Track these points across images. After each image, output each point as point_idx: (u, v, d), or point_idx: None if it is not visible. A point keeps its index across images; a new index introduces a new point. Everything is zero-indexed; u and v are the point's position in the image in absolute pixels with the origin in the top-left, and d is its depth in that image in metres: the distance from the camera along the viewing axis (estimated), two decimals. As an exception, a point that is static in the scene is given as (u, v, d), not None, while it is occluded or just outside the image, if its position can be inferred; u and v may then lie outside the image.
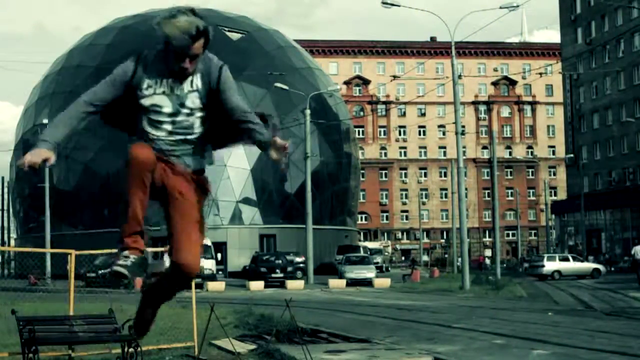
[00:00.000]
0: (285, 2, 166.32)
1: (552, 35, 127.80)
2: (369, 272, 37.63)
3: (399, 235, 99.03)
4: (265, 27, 60.24)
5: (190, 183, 3.38)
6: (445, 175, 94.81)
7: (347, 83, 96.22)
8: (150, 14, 56.94)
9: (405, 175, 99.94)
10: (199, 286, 29.53)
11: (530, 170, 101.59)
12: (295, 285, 34.32)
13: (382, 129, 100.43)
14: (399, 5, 32.29)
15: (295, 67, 55.47)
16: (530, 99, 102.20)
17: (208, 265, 34.06)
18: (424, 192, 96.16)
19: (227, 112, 3.37)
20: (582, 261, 44.87)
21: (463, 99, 77.56)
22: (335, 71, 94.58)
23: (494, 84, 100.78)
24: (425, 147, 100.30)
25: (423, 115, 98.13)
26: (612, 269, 49.47)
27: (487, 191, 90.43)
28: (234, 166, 48.48)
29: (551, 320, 16.53)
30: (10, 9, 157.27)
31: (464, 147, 51.72)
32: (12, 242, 62.66)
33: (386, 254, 68.07)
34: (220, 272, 43.24)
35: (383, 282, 36.11)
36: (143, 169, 3.22)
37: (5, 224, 65.33)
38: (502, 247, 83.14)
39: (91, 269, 31.44)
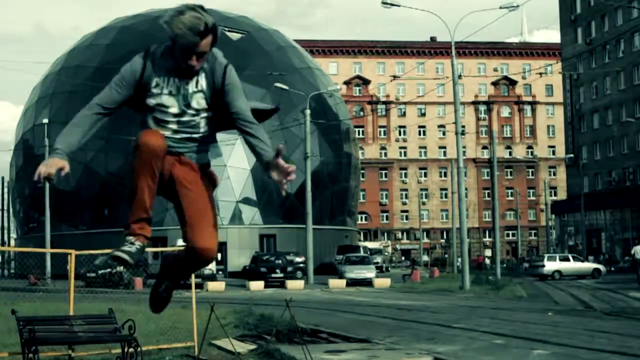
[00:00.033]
0: (285, 2, 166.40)
1: (552, 35, 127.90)
2: (369, 272, 37.62)
3: (399, 235, 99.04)
4: (265, 27, 60.25)
5: (198, 172, 3.34)
6: (445, 175, 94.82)
7: (347, 83, 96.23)
8: (151, 14, 56.99)
9: (405, 175, 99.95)
10: (199, 286, 29.52)
11: (530, 170, 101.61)
12: (295, 285, 34.32)
13: (382, 129, 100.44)
14: (399, 5, 32.30)
15: (295, 67, 55.48)
16: (530, 99, 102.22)
17: (208, 265, 34.04)
18: (424, 192, 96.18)
19: (231, 116, 3.33)
20: (582, 261, 44.86)
21: (463, 99, 77.60)
22: (335, 71, 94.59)
23: (494, 84, 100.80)
24: (425, 147, 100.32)
25: (423, 115, 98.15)
26: (612, 269, 49.48)
27: (487, 191, 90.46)
28: (234, 166, 48.51)
29: (551, 320, 16.53)
30: (10, 9, 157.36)
31: (464, 147, 51.74)
32: (12, 242, 62.68)
33: (386, 254, 68.06)
34: (220, 272, 43.27)
35: (383, 282, 36.10)
36: (153, 155, 3.16)
37: (5, 224, 65.39)
38: (502, 247, 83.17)
39: (91, 269, 31.46)
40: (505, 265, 68.91)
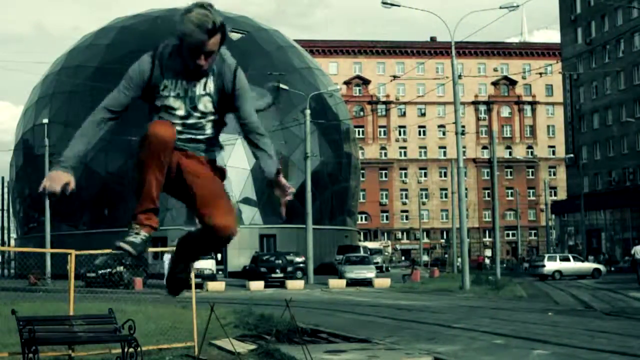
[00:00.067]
0: (285, 2, 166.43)
1: (552, 35, 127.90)
2: (369, 272, 37.61)
3: (399, 235, 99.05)
4: (265, 27, 60.25)
5: (206, 165, 3.31)
6: (445, 175, 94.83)
7: (347, 83, 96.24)
8: (151, 14, 57.04)
9: (405, 175, 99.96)
10: (199, 286, 29.52)
11: (530, 170, 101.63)
12: (295, 285, 34.32)
13: (382, 129, 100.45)
14: (399, 5, 32.29)
15: (295, 67, 55.48)
16: (530, 99, 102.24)
17: (208, 265, 34.05)
18: (424, 192, 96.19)
19: (239, 122, 3.30)
20: (582, 261, 44.86)
21: (463, 99, 77.61)
22: (335, 71, 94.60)
23: (494, 84, 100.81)
24: (425, 147, 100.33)
25: (423, 115, 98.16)
26: (612, 269, 49.48)
27: (487, 191, 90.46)
28: (234, 166, 48.48)
29: (551, 320, 16.54)
30: (10, 9, 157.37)
31: (464, 147, 51.74)
32: (12, 242, 62.66)
33: (386, 254, 68.07)
34: (220, 272, 43.25)
35: (383, 282, 36.09)
36: (163, 146, 3.11)
37: (5, 224, 65.38)
38: (502, 247, 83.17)
39: (91, 269, 31.48)
40: (505, 265, 68.90)
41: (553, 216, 75.25)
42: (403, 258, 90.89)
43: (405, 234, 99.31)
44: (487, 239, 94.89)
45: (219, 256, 45.64)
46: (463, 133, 38.57)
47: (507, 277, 39.95)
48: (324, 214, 52.57)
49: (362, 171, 75.59)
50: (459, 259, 43.03)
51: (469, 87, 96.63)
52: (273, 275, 37.08)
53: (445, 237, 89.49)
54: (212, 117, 3.29)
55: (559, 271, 41.28)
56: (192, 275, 13.86)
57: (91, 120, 3.26)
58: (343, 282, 35.95)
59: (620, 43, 61.38)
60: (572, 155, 65.86)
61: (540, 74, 64.73)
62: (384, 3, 32.08)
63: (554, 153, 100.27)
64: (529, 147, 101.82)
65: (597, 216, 64.38)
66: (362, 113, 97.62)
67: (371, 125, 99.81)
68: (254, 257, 40.77)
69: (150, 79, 3.23)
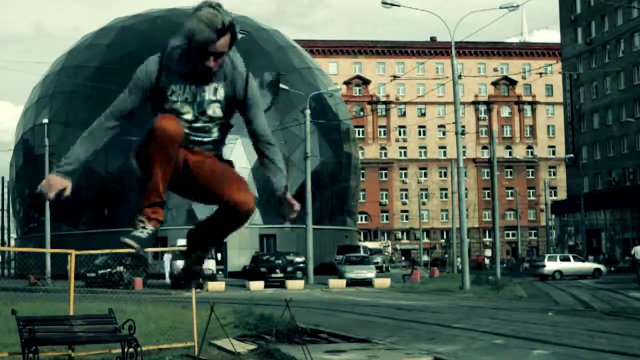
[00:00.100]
0: (285, 2, 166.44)
1: (552, 35, 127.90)
2: (369, 272, 37.61)
3: (399, 235, 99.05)
4: (265, 27, 60.24)
5: (214, 157, 3.28)
6: (445, 175, 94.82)
7: (347, 83, 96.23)
8: (151, 14, 57.03)
9: (405, 175, 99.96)
10: (199, 286, 29.51)
11: (530, 170, 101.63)
12: (295, 285, 34.31)
13: (382, 129, 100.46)
14: (399, 5, 32.29)
15: (295, 67, 55.49)
16: (530, 99, 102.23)
17: (208, 265, 34.04)
18: (424, 192, 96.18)
19: (249, 131, 3.27)
20: (583, 261, 44.87)
21: (463, 99, 77.60)
22: (335, 71, 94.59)
23: (494, 84, 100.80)
24: (425, 147, 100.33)
25: (423, 115, 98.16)
26: (612, 269, 49.50)
27: (487, 191, 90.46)
28: (234, 166, 48.49)
29: (551, 320, 16.54)
30: (10, 9, 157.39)
31: (464, 147, 51.76)
32: (12, 242, 62.67)
33: (386, 254, 68.07)
34: (220, 272, 43.26)
35: (383, 282, 36.09)
36: (170, 140, 3.06)
37: (5, 224, 65.38)
38: (502, 247, 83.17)
39: (91, 269, 31.48)
40: (505, 265, 68.92)
41: (553, 216, 75.26)
42: (403, 258, 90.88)
43: (405, 234, 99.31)
44: (487, 239, 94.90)
45: (219, 256, 45.65)
46: (463, 133, 38.57)
47: (507, 277, 39.95)
48: (324, 214, 52.57)
49: (362, 171, 75.59)
50: (459, 259, 43.04)
51: (469, 87, 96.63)
52: (273, 275, 37.08)
53: (445, 237, 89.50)
54: (220, 121, 3.26)
55: (559, 271, 41.28)
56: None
57: (98, 125, 3.22)
58: (343, 282, 35.95)
59: (620, 43, 61.38)
60: (572, 155, 65.87)
61: (540, 74, 64.75)
62: (384, 3, 32.08)
63: (554, 153, 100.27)
64: (529, 147, 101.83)
65: (597, 216, 64.39)
66: (362, 113, 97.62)
67: (371, 125, 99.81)
68: (254, 257, 40.77)
69: (157, 82, 3.18)
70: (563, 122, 73.74)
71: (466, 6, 55.30)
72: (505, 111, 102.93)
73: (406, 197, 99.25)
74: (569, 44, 68.15)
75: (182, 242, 31.72)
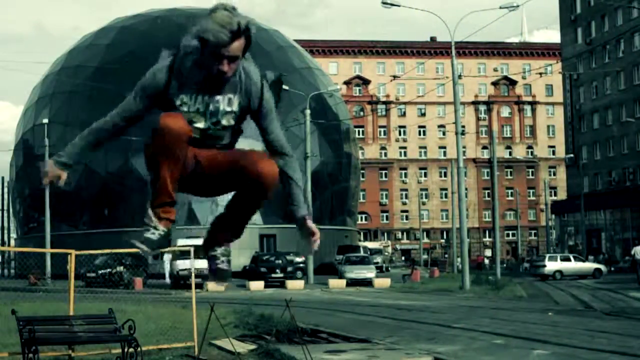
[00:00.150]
0: (285, 2, 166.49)
1: (552, 35, 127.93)
2: (369, 272, 37.61)
3: (399, 235, 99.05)
4: (265, 27, 60.21)
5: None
6: (445, 175, 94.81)
7: (347, 83, 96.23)
8: (151, 14, 57.04)
9: (405, 175, 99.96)
10: (199, 286, 29.53)
11: (530, 170, 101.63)
12: (295, 285, 34.31)
13: (382, 129, 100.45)
14: (399, 5, 32.30)
15: (295, 67, 55.48)
16: (530, 99, 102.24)
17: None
18: (424, 192, 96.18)
19: (263, 140, 3.20)
20: (583, 261, 44.87)
21: (463, 99, 77.58)
22: (335, 71, 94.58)
23: (494, 84, 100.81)
24: (425, 147, 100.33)
25: (423, 115, 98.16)
26: (612, 269, 49.50)
27: (487, 191, 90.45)
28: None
29: (551, 320, 16.54)
30: (10, 9, 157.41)
31: (464, 147, 51.74)
32: (12, 242, 62.68)
33: (386, 254, 68.06)
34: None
35: (383, 282, 36.09)
36: (176, 139, 2.98)
37: (5, 224, 65.38)
38: (502, 247, 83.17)
39: (91, 269, 31.49)
40: (505, 265, 68.92)
41: (553, 216, 75.26)
42: (403, 258, 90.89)
43: (405, 234, 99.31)
44: (487, 239, 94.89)
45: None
46: (463, 133, 38.57)
47: (507, 277, 39.94)
48: (324, 214, 52.55)
49: (362, 171, 75.58)
50: (459, 259, 43.04)
51: (469, 87, 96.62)
52: (273, 275, 37.07)
53: (445, 237, 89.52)
54: (232, 129, 3.20)
55: (559, 271, 41.27)
56: (192, 276, 13.86)
57: (102, 123, 3.16)
58: (343, 282, 35.95)
59: (620, 43, 61.38)
60: (572, 155, 65.88)
61: (540, 74, 64.75)
62: (384, 3, 32.08)
63: (554, 153, 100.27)
64: (529, 147, 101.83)
65: (597, 216, 64.39)
66: (362, 113, 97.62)
67: (371, 125, 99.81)
68: (254, 257, 40.75)
69: (165, 90, 3.10)
70: (563, 122, 73.75)
71: (466, 6, 55.30)
72: (505, 111, 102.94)
73: (406, 197, 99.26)
74: (569, 44, 68.15)
75: (182, 242, 31.70)
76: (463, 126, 56.48)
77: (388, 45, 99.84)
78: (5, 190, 64.67)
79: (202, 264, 32.14)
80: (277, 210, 52.06)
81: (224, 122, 3.14)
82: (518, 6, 31.70)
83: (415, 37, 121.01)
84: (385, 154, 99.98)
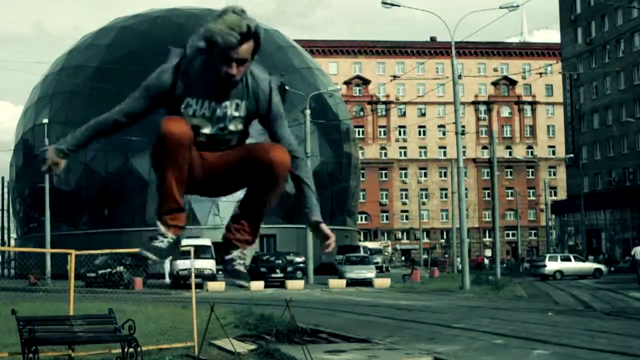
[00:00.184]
0: (285, 2, 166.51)
1: (552, 35, 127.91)
2: (369, 272, 37.62)
3: (399, 235, 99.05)
4: (265, 27, 60.22)
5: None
6: (445, 175, 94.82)
7: (347, 83, 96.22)
8: (151, 14, 57.05)
9: (405, 175, 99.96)
10: (199, 286, 29.54)
11: (530, 170, 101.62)
12: (295, 285, 34.31)
13: (382, 129, 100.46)
14: (399, 5, 32.29)
15: (295, 67, 55.48)
16: (530, 99, 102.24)
17: (208, 265, 34.04)
18: (424, 192, 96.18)
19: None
20: (583, 261, 44.88)
21: (463, 99, 77.57)
22: (335, 71, 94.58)
23: (494, 84, 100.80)
24: (425, 147, 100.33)
25: (423, 115, 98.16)
26: (612, 269, 49.51)
27: (487, 191, 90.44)
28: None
29: (551, 320, 16.54)
30: (10, 9, 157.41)
31: (464, 147, 51.75)
32: (12, 242, 62.68)
33: (386, 254, 68.07)
34: (220, 272, 43.20)
35: (383, 282, 36.09)
36: (179, 144, 2.93)
37: (5, 224, 65.39)
38: (502, 247, 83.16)
39: (91, 269, 31.47)
40: (505, 265, 68.93)
41: (553, 216, 75.25)
42: (403, 258, 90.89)
43: (405, 234, 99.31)
44: (487, 239, 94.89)
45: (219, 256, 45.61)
46: (463, 133, 38.57)
47: (507, 277, 39.94)
48: (324, 214, 50.94)
49: (362, 171, 75.59)
50: (459, 259, 43.03)
51: (469, 87, 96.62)
52: (273, 275, 37.06)
53: (445, 237, 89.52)
54: (239, 134, 3.17)
55: (560, 271, 41.26)
56: (192, 275, 13.85)
57: (105, 117, 3.12)
58: (343, 282, 35.95)
59: (620, 43, 61.38)
60: (572, 155, 65.87)
61: (540, 74, 64.75)
62: (384, 3, 32.08)
63: (554, 153, 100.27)
64: (529, 147, 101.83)
65: (597, 216, 64.39)
66: (362, 113, 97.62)
67: (371, 125, 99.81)
68: (254, 257, 40.69)
69: (171, 92, 3.06)
70: (563, 122, 73.74)
71: (466, 6, 55.29)
72: (505, 111, 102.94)
73: (406, 197, 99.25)
74: (569, 44, 68.15)
75: (182, 242, 31.75)
76: (463, 126, 56.49)
77: (388, 45, 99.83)
78: (5, 190, 64.67)
79: (202, 264, 31.99)
80: (277, 210, 52.15)
81: (232, 127, 3.11)
82: (518, 6, 31.72)
83: (415, 37, 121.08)
84: (385, 154, 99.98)
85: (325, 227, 3.17)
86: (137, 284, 31.06)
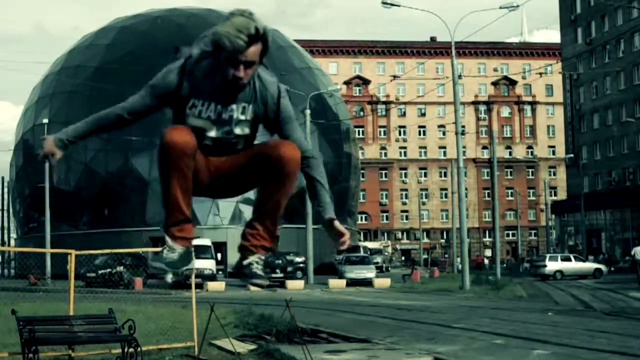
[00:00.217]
0: (285, 2, 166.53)
1: (552, 35, 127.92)
2: (369, 272, 37.63)
3: (399, 235, 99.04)
4: (265, 27, 60.22)
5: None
6: (445, 175, 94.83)
7: (347, 83, 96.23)
8: (151, 14, 57.05)
9: (405, 175, 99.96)
10: (199, 286, 29.54)
11: (530, 170, 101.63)
12: (295, 285, 34.31)
13: (382, 129, 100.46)
14: (399, 5, 32.30)
15: (295, 67, 55.48)
16: (530, 99, 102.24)
17: (208, 265, 34.05)
18: (424, 192, 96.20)
19: None
20: (583, 261, 44.88)
21: (463, 99, 77.60)
22: (335, 71, 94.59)
23: (494, 84, 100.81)
24: (425, 147, 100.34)
25: (423, 115, 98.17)
26: (612, 269, 49.52)
27: (487, 191, 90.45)
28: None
29: (551, 320, 16.54)
30: (10, 9, 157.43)
31: (464, 147, 51.77)
32: (12, 242, 62.67)
33: (386, 254, 68.08)
34: (220, 272, 43.25)
35: (383, 282, 36.10)
36: (182, 154, 2.90)
37: (5, 224, 65.39)
38: (502, 247, 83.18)
39: (91, 269, 31.46)
40: (505, 265, 68.94)
41: (553, 216, 75.25)
42: (403, 258, 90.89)
43: (405, 234, 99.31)
44: (487, 239, 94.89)
45: (219, 256, 45.64)
46: (463, 133, 38.58)
47: (507, 277, 39.95)
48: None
49: (362, 171, 75.61)
50: (459, 259, 43.03)
51: (469, 87, 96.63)
52: (273, 275, 37.06)
53: (445, 237, 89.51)
54: (246, 138, 3.13)
55: (560, 271, 41.26)
56: (192, 275, 13.85)
57: (108, 112, 3.10)
58: (343, 282, 35.96)
59: (620, 43, 61.38)
60: (572, 155, 65.88)
61: (540, 74, 64.78)
62: (384, 3, 32.08)
63: (554, 153, 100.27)
64: (529, 147, 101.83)
65: (597, 216, 64.38)
66: (362, 113, 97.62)
67: (371, 125, 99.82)
68: (254, 257, 40.69)
69: (177, 92, 3.03)
70: (563, 122, 73.74)
71: (466, 6, 55.31)
72: (505, 111, 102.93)
73: (406, 197, 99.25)
74: (569, 44, 68.15)
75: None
76: (463, 126, 56.52)
77: (388, 45, 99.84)
78: (5, 190, 64.67)
79: (202, 264, 31.96)
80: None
81: (238, 131, 3.07)
82: (518, 6, 31.73)
83: (415, 37, 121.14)
84: (385, 154, 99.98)
85: (339, 225, 3.13)
86: (137, 284, 31.06)
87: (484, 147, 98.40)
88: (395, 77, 68.65)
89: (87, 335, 9.03)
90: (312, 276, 37.47)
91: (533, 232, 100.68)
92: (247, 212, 50.62)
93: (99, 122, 3.11)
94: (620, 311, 19.23)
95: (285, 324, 12.42)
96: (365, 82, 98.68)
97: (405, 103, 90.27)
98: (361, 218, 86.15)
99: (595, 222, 64.46)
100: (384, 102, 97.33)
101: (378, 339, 12.46)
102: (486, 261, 72.93)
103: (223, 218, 49.99)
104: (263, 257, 3.19)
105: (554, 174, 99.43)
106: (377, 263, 48.90)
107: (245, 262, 3.15)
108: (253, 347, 11.13)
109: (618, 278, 38.12)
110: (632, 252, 34.82)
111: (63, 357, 9.53)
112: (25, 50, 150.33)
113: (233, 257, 48.99)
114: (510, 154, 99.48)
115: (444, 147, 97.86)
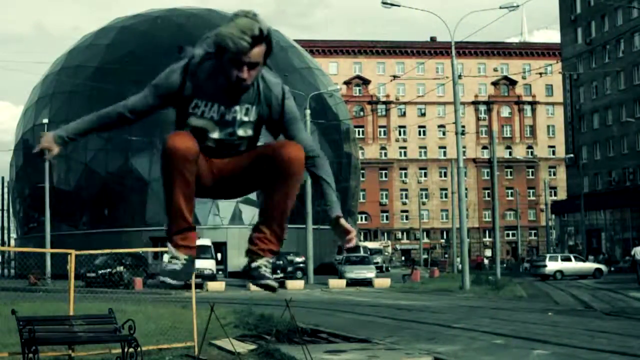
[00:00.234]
0: (285, 2, 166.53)
1: (552, 35, 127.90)
2: (369, 272, 37.64)
3: (399, 235, 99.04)
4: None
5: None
6: (445, 175, 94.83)
7: (347, 83, 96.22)
8: (151, 14, 57.04)
9: (405, 175, 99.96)
10: (199, 286, 29.53)
11: (530, 170, 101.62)
12: (295, 285, 34.30)
13: (382, 129, 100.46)
14: (399, 5, 32.30)
15: (295, 67, 55.48)
16: (530, 99, 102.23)
17: (208, 265, 34.04)
18: (424, 192, 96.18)
19: None
20: (584, 261, 44.88)
21: (463, 99, 77.58)
22: (335, 71, 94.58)
23: (494, 84, 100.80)
24: (425, 147, 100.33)
25: (423, 115, 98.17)
26: (612, 269, 49.53)
27: (487, 191, 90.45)
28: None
29: (551, 320, 16.54)
30: (10, 9, 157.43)
31: (464, 147, 51.76)
32: (12, 242, 62.67)
33: (386, 254, 68.06)
34: (220, 272, 43.25)
35: (383, 282, 36.11)
36: (184, 160, 2.89)
37: (5, 224, 65.39)
38: (502, 247, 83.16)
39: (91, 269, 31.47)
40: (505, 265, 68.93)
41: (553, 216, 75.25)
42: (403, 258, 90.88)
43: (405, 234, 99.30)
44: (487, 239, 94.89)
45: (219, 256, 45.66)
46: (463, 133, 38.59)
47: (507, 277, 39.95)
48: (324, 214, 52.58)
49: (362, 171, 75.58)
50: (459, 259, 43.03)
51: (469, 87, 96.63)
52: (273, 275, 37.02)
53: (445, 237, 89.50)
54: (249, 139, 3.12)
55: (560, 271, 41.26)
56: (193, 275, 13.89)
57: (109, 112, 3.08)
58: (343, 282, 35.96)
59: (620, 43, 61.38)
60: (572, 155, 65.88)
61: (540, 74, 64.78)
62: (384, 3, 32.09)
63: (554, 153, 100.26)
64: (529, 147, 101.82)
65: (597, 216, 64.38)
66: (362, 113, 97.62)
67: (371, 125, 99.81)
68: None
69: (180, 92, 3.01)
70: (563, 122, 73.74)
71: (466, 6, 55.31)
72: (505, 111, 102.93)
73: (406, 197, 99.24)
74: (569, 44, 68.15)
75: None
76: (463, 126, 56.51)
77: (388, 45, 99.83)
78: (5, 190, 64.67)
79: (202, 264, 31.96)
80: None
81: (241, 132, 3.06)
82: (518, 6, 31.73)
83: (415, 37, 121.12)
84: (385, 154, 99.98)
85: (345, 223, 3.15)
86: (137, 284, 31.07)
87: (484, 147, 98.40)
88: (395, 77, 68.65)
89: (87, 335, 9.03)
90: (312, 276, 37.47)
91: (533, 232, 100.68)
92: (247, 212, 50.63)
93: (100, 120, 3.09)
94: (620, 311, 19.23)
95: (285, 324, 12.42)
96: (365, 82, 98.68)
97: (405, 103, 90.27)
98: (361, 218, 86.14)
99: (595, 222, 64.46)
100: (384, 102, 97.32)
101: (378, 339, 12.46)
102: (486, 261, 72.91)
103: (223, 218, 49.97)
104: (271, 261, 3.20)
105: (554, 174, 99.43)
106: (377, 263, 48.90)
107: (253, 265, 3.15)
108: (253, 347, 11.13)
109: (618, 278, 38.12)
110: (632, 252, 34.82)
111: (63, 357, 9.53)
112: (25, 50, 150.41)
113: (233, 257, 49.13)
114: (510, 154, 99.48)
115: (444, 147, 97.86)
